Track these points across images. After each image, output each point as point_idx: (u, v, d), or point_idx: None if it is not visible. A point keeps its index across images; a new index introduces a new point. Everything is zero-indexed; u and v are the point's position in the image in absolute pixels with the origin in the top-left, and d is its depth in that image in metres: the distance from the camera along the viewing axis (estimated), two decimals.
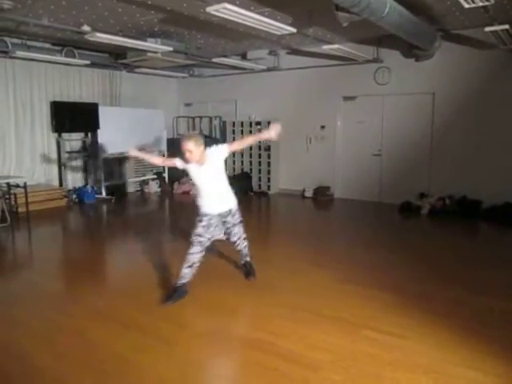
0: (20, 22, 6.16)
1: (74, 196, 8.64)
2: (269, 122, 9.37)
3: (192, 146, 3.52)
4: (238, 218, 3.95)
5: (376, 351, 2.95)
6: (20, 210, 7.13)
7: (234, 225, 3.95)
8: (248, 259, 4.29)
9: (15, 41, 7.46)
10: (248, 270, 4.27)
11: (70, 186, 8.93)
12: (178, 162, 3.80)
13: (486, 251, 5.39)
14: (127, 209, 8.66)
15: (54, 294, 4.14)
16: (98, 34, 6.17)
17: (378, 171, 8.52)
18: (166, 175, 10.19)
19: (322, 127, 9.08)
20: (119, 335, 3.22)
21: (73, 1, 5.56)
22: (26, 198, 6.84)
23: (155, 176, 10.17)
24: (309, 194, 9.16)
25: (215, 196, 3.78)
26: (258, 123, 9.62)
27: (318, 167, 9.15)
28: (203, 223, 3.76)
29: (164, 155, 3.74)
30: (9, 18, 5.85)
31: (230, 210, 3.86)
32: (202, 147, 3.59)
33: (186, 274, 3.76)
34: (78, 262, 5.11)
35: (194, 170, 3.72)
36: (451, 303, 3.73)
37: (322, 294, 3.97)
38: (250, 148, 9.71)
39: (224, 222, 3.91)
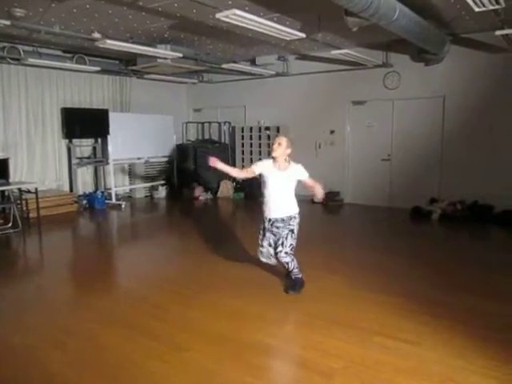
0: (32, 29, 6.23)
1: (85, 201, 8.68)
2: (278, 128, 9.40)
3: (284, 141, 3.91)
4: (293, 225, 4.03)
5: (389, 358, 2.91)
6: (31, 215, 7.18)
7: (287, 231, 4.02)
8: (298, 275, 4.14)
9: (27, 48, 7.57)
10: (290, 284, 4.15)
11: (81, 192, 8.99)
12: (256, 168, 4.02)
13: (498, 257, 5.32)
14: (137, 214, 8.69)
15: (65, 299, 4.16)
16: (109, 41, 6.23)
17: (388, 176, 8.47)
18: (175, 180, 10.20)
19: (332, 132, 9.06)
20: (131, 341, 3.21)
21: (83, 8, 5.63)
22: (37, 203, 6.88)
23: (164, 181, 10.19)
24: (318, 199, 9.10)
25: (278, 203, 4.02)
26: (267, 128, 9.63)
27: (328, 172, 9.08)
28: (262, 225, 4.12)
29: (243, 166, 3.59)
30: (21, 26, 5.92)
31: (290, 216, 4.04)
32: (290, 150, 3.94)
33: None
34: (89, 267, 5.11)
35: (273, 172, 3.96)
36: (465, 310, 3.68)
37: (334, 300, 3.94)
38: (260, 153, 9.72)
39: (278, 227, 4.03)
